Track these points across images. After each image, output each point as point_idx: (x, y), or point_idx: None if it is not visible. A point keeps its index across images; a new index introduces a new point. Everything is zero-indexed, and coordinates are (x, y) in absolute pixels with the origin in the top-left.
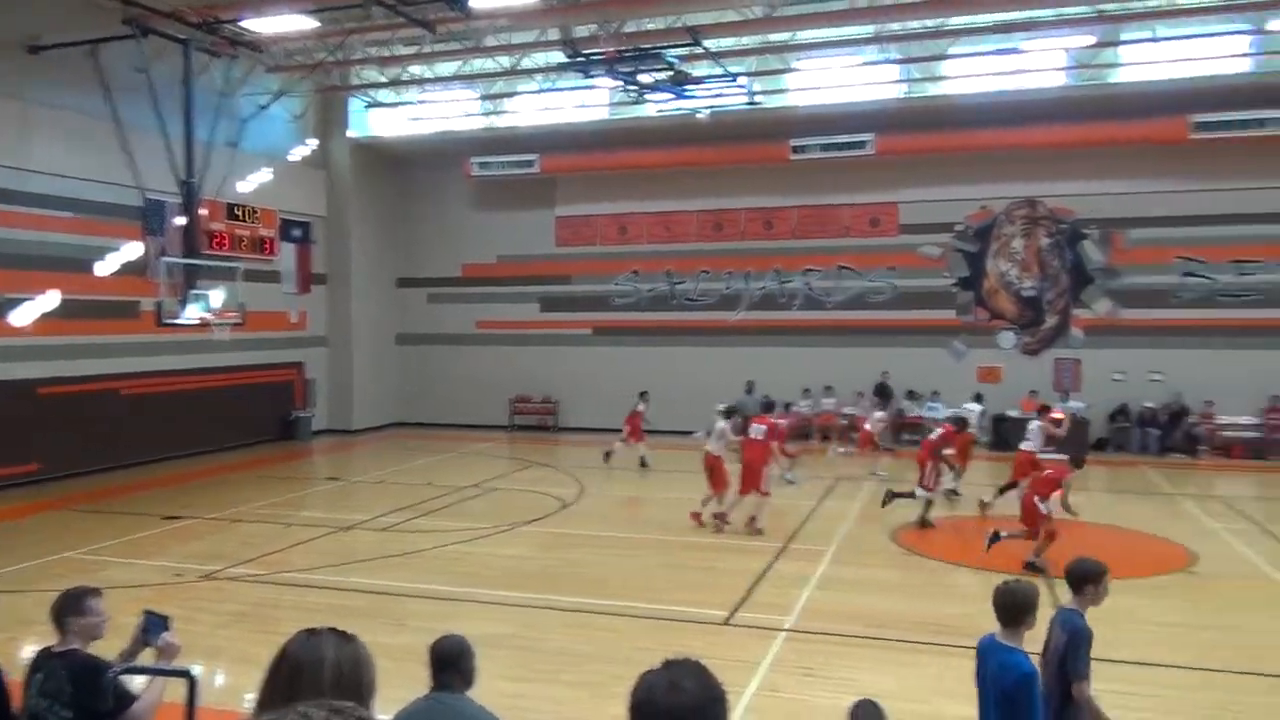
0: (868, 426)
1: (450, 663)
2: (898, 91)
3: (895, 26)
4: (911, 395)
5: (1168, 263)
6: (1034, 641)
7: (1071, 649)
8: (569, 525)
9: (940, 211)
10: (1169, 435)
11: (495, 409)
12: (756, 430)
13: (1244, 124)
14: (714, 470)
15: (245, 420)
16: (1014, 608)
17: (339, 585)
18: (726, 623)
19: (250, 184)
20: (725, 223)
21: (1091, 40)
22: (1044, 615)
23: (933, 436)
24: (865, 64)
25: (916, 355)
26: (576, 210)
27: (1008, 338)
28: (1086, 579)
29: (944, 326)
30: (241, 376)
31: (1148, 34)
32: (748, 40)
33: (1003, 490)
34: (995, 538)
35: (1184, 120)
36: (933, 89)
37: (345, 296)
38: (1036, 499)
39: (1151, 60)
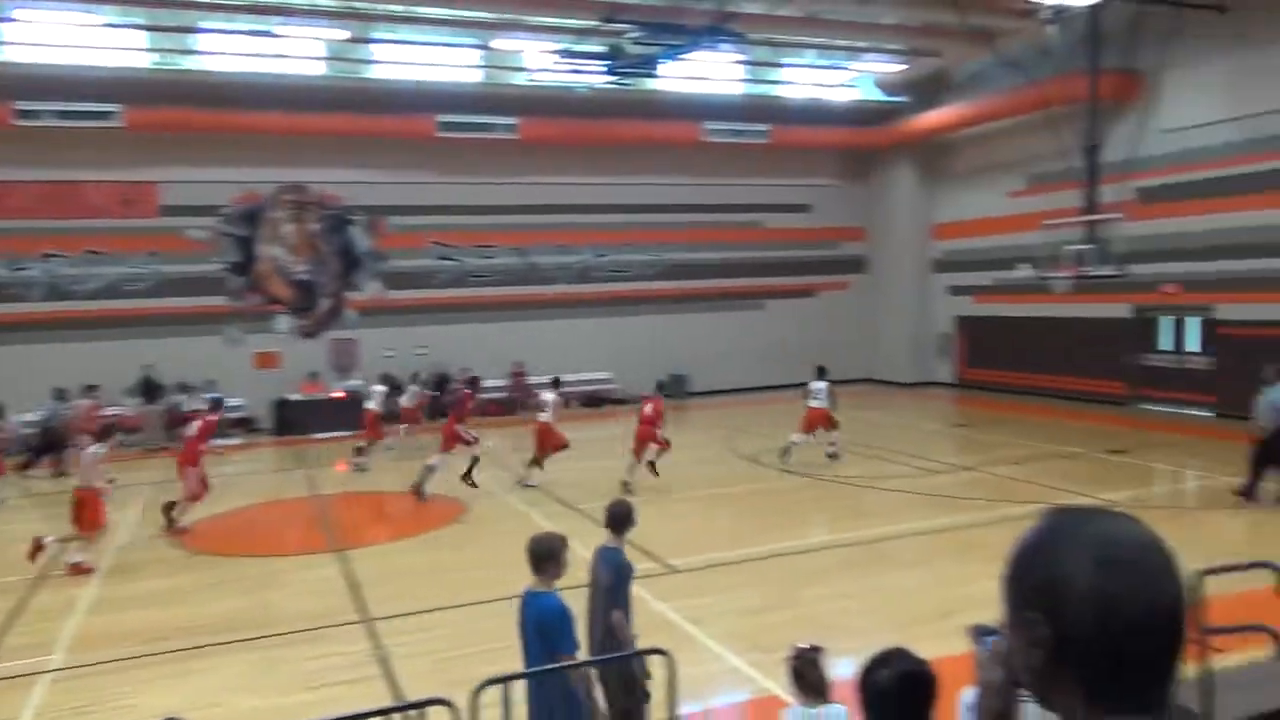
0: (371, 405)
1: None
2: (148, 61)
3: None
4: (185, 388)
5: (425, 247)
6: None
7: (617, 582)
8: None
9: (205, 193)
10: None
11: None
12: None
13: (478, 127)
14: (83, 505)
15: None
16: (540, 555)
17: None
18: None
19: None
20: None
21: (346, 35)
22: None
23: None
24: (107, 25)
25: (188, 345)
26: None
27: (284, 322)
28: (625, 519)
29: (217, 313)
30: None
31: (395, 36)
32: None
33: (532, 462)
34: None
35: (431, 119)
36: (188, 63)
37: None
38: (649, 438)
39: (402, 61)
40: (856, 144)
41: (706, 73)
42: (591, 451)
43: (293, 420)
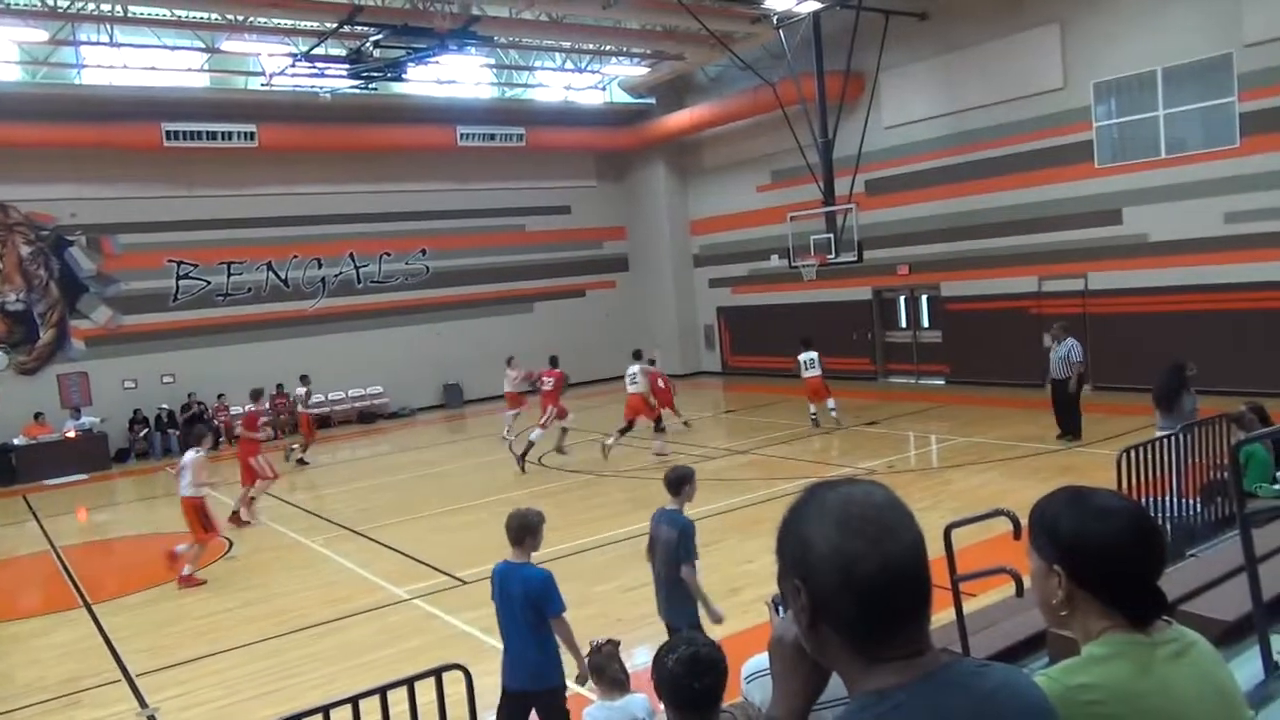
0: (301, 409)
1: None
2: None
3: None
4: None
5: (161, 267)
6: None
7: (682, 540)
8: None
9: None
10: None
11: None
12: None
13: (212, 135)
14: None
15: None
16: (520, 530)
17: None
18: None
19: None
20: None
21: (44, 36)
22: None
23: (547, 387)
24: None
25: None
26: None
27: None
28: (683, 481)
29: None
30: None
31: (106, 38)
32: None
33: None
34: None
35: (157, 127)
36: None
37: None
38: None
39: (118, 65)
40: (610, 145)
41: (457, 76)
42: (366, 471)
43: (18, 467)
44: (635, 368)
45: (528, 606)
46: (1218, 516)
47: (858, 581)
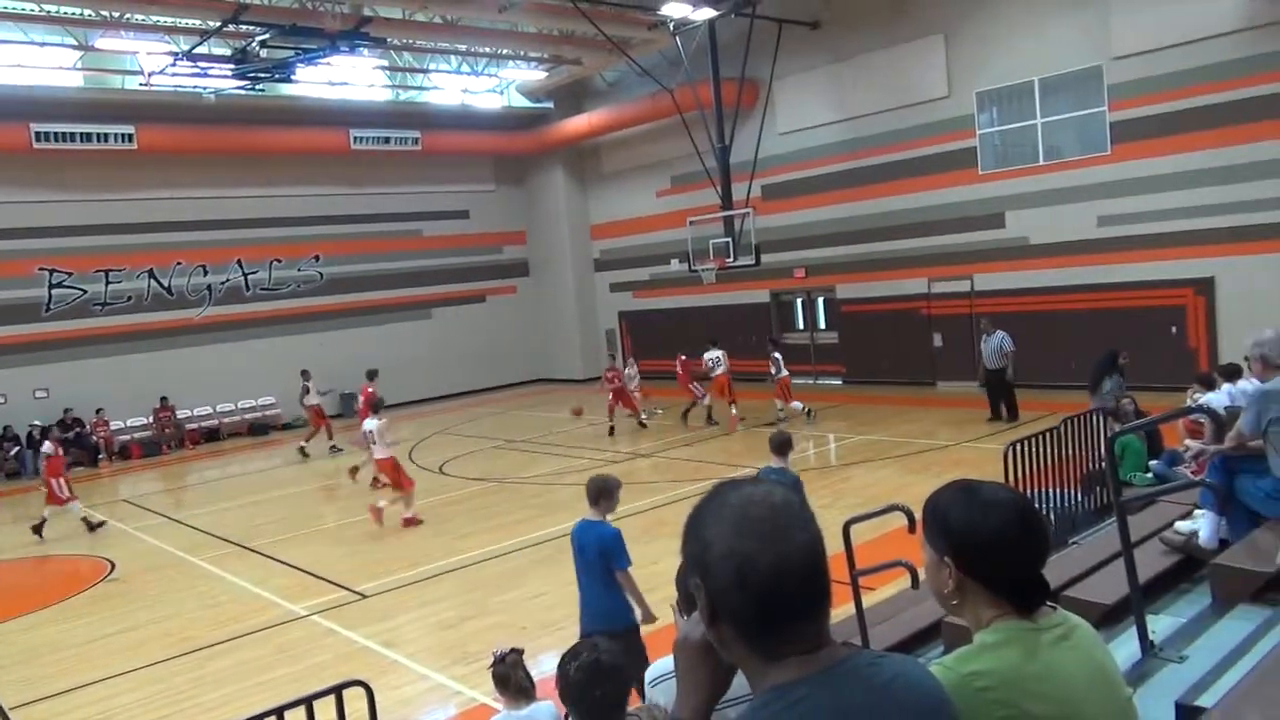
0: (311, 401)
1: None
2: None
3: None
4: None
5: (33, 275)
6: None
7: (796, 491)
8: None
9: None
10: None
11: None
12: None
13: (86, 136)
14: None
15: None
16: (598, 491)
17: None
18: None
19: None
20: None
21: None
22: None
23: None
24: None
25: None
26: None
27: None
28: (786, 445)
29: None
30: None
31: None
32: None
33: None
34: None
35: (25, 128)
36: None
37: None
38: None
39: None
40: (508, 149)
41: (350, 78)
42: (258, 484)
43: None
44: (718, 353)
45: (600, 559)
46: (1096, 505)
47: (752, 581)
